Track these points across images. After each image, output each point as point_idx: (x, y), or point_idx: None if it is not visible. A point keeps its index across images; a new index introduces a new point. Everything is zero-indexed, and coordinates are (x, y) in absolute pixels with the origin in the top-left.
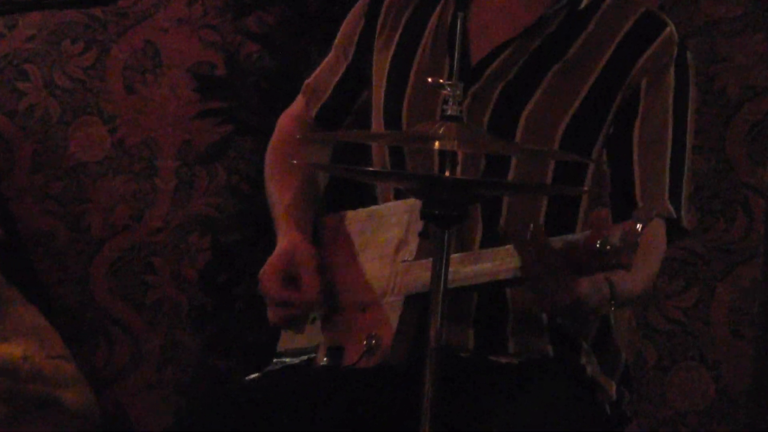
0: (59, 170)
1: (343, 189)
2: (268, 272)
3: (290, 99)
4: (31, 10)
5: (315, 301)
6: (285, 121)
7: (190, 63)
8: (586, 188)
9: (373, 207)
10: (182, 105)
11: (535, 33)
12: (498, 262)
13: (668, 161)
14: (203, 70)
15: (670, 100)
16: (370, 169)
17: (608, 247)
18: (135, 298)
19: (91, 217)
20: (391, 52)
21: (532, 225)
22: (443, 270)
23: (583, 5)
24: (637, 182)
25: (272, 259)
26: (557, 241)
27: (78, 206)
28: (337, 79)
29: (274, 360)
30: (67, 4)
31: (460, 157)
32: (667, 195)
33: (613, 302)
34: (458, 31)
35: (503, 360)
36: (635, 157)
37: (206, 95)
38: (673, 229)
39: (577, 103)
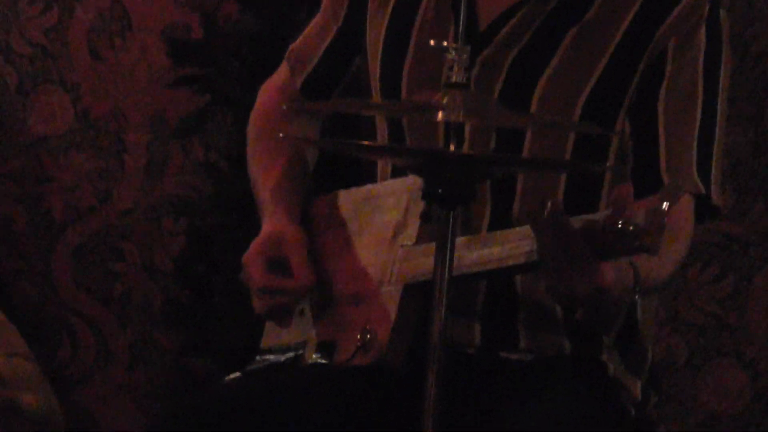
0: (16, 146)
1: (335, 168)
2: (253, 256)
3: (275, 66)
4: None
5: (307, 287)
6: (267, 92)
7: (162, 25)
8: (610, 164)
9: (369, 186)
10: (154, 72)
11: None
12: (510, 246)
13: (697, 130)
14: (177, 33)
15: (701, 63)
16: (365, 143)
17: (631, 228)
18: (102, 289)
19: (52, 199)
20: (388, 14)
21: (550, 202)
22: (447, 256)
23: None
24: (662, 154)
25: (257, 243)
26: (576, 222)
27: (37, 186)
28: (325, 44)
29: (257, 358)
30: None
31: (467, 131)
32: (695, 168)
33: (637, 290)
34: None
35: (514, 357)
36: (661, 125)
37: (181, 61)
38: (703, 206)
39: (598, 70)
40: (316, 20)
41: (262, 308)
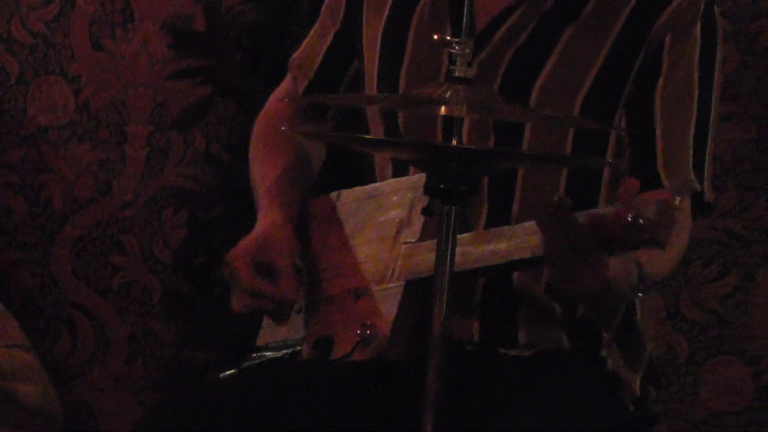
0: (17, 137)
1: (339, 170)
2: (239, 255)
3: (276, 57)
4: None
5: (288, 299)
6: (272, 102)
7: (164, 16)
8: (612, 161)
9: (373, 185)
10: (156, 63)
11: None
12: (516, 241)
13: (693, 128)
14: (179, 24)
15: (696, 59)
16: (369, 137)
17: (641, 221)
18: (101, 281)
19: (52, 190)
20: (385, 16)
21: (556, 195)
22: (448, 251)
23: None
24: (659, 149)
25: (245, 242)
26: (583, 216)
27: (38, 177)
28: (325, 48)
29: (253, 354)
30: None
31: (466, 126)
32: (691, 165)
33: (641, 287)
34: None
35: (513, 352)
36: (657, 122)
37: (183, 52)
38: (696, 204)
39: (595, 69)
40: (315, 28)
41: (240, 308)
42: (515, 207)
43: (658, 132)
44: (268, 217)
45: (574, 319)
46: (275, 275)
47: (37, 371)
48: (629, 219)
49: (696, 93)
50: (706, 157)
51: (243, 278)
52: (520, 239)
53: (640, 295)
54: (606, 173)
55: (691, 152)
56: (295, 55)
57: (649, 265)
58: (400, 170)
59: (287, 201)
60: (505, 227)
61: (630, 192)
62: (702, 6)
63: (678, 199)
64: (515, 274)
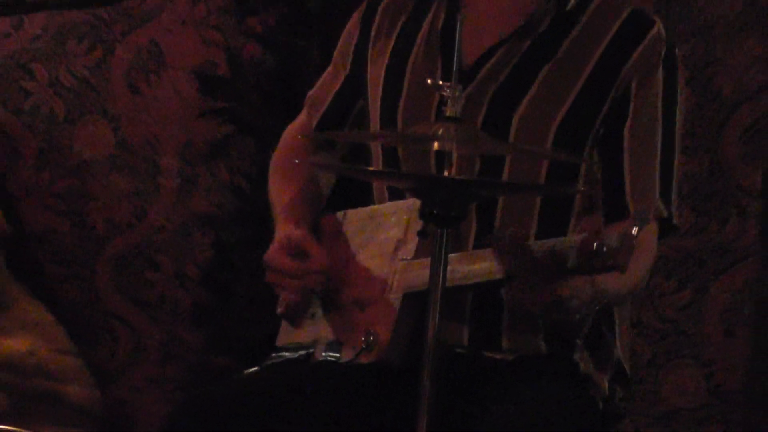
0: (64, 168)
1: (345, 193)
2: (272, 255)
3: (290, 98)
4: (37, 11)
5: (326, 265)
6: (289, 134)
7: (193, 63)
8: (581, 189)
9: (374, 206)
10: (185, 104)
11: (526, 34)
12: (493, 262)
13: (658, 161)
14: (206, 70)
15: (660, 99)
16: (372, 168)
17: (605, 249)
18: (138, 294)
19: (95, 215)
20: (386, 59)
21: (510, 229)
22: (441, 268)
23: (570, 5)
24: (628, 181)
25: (274, 244)
26: (545, 244)
27: (82, 204)
28: (335, 89)
29: (273, 355)
30: (72, 4)
31: (455, 158)
32: (658, 193)
33: (596, 303)
34: (458, 32)
35: (497, 356)
36: (626, 156)
37: (209, 95)
38: (664, 226)
39: (568, 103)
40: (328, 70)
41: (293, 297)
42: (497, 225)
43: (626, 166)
44: (285, 229)
45: (549, 326)
46: (305, 256)
47: (82, 373)
48: (594, 247)
49: (660, 130)
50: (672, 186)
51: (283, 265)
52: (497, 261)
53: (595, 309)
54: (577, 197)
55: (658, 182)
56: (310, 93)
57: (605, 284)
58: (395, 192)
59: (301, 217)
60: (485, 250)
61: (595, 224)
62: (664, 50)
63: (636, 229)
64: (502, 289)
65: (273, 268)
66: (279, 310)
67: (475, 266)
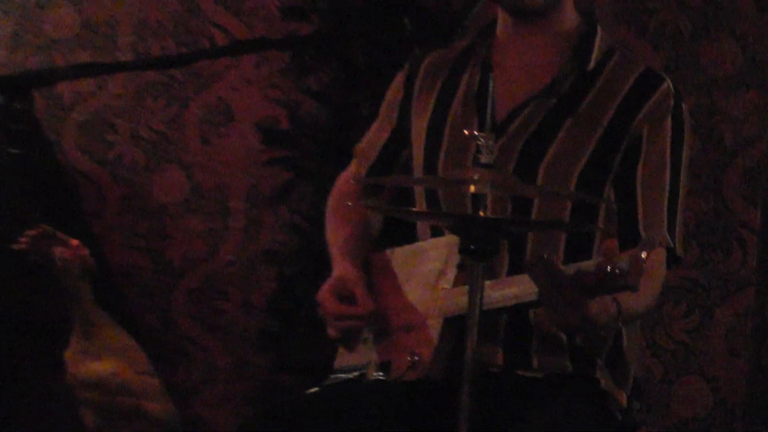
0: (144, 211)
1: (392, 233)
2: (326, 294)
3: (343, 148)
4: (119, 71)
5: (369, 312)
6: (341, 181)
7: (257, 117)
8: (601, 226)
9: (417, 243)
10: (251, 154)
11: (551, 92)
12: (523, 287)
13: (666, 198)
14: (269, 123)
15: (668, 145)
16: (415, 210)
17: (618, 271)
18: (210, 321)
19: (172, 252)
20: (429, 114)
21: (544, 255)
22: (478, 296)
23: (591, 65)
24: (640, 216)
25: (327, 284)
26: (571, 268)
27: (160, 242)
28: (383, 141)
29: (331, 376)
30: (150, 66)
31: (489, 200)
32: (665, 227)
33: (620, 319)
34: (490, 90)
35: (528, 374)
36: (638, 193)
37: (271, 145)
38: (670, 257)
39: (588, 152)
40: (375, 125)
41: (336, 333)
42: (528, 257)
43: (639, 202)
44: (340, 267)
45: (575, 347)
46: (354, 300)
47: (161, 392)
48: (608, 270)
49: (668, 171)
50: (677, 221)
51: (332, 308)
52: (527, 285)
53: (620, 324)
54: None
55: (666, 217)
56: (360, 145)
57: (626, 303)
58: (436, 229)
59: (354, 255)
60: (518, 276)
61: (610, 249)
62: (672, 103)
63: (645, 253)
64: (531, 313)
65: (323, 308)
66: (329, 333)
67: (507, 290)
